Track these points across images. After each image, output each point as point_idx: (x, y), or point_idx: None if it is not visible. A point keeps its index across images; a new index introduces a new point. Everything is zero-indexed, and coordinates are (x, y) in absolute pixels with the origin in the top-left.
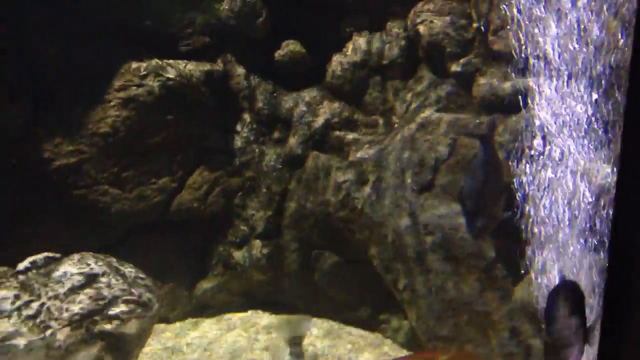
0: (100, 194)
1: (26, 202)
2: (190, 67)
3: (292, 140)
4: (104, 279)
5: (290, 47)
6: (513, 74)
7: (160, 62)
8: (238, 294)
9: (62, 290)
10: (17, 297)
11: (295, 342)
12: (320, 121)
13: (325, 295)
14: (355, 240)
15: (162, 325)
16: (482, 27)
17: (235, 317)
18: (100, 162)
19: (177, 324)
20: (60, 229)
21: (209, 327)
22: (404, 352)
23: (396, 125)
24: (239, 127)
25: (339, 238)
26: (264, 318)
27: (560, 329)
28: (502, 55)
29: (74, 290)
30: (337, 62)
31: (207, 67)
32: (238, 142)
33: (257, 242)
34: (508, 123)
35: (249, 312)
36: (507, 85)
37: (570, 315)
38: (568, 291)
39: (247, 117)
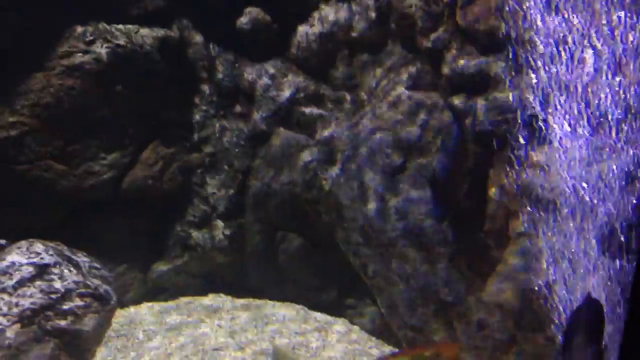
0: (44, 169)
1: None
2: (143, 33)
3: (256, 115)
4: (56, 270)
5: (252, 14)
6: (482, 52)
7: (108, 27)
8: (198, 276)
9: (10, 283)
10: None
11: None
12: (285, 95)
13: (290, 278)
14: (322, 222)
15: (116, 310)
16: (454, 3)
17: (196, 301)
18: (43, 135)
19: (132, 309)
20: (1, 210)
21: (166, 312)
22: (372, 340)
23: (365, 102)
24: (197, 100)
25: (305, 220)
26: (227, 303)
27: (577, 357)
28: (473, 32)
29: (24, 282)
30: (303, 33)
31: (161, 33)
32: (196, 116)
33: (219, 223)
34: (478, 102)
35: (210, 296)
36: (474, 63)
37: (587, 342)
38: (588, 313)
39: (206, 89)
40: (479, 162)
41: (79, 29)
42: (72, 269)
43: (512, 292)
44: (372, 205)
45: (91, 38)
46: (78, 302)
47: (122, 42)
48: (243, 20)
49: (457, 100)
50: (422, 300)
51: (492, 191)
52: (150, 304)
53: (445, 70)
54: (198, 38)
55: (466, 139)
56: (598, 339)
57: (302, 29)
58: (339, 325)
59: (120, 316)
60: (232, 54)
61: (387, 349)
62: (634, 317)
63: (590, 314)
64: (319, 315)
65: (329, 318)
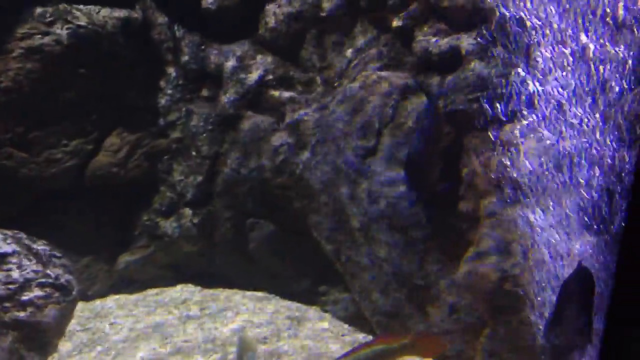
0: (3, 157)
1: None
2: (104, 14)
3: (223, 99)
4: (14, 259)
5: None
6: (454, 29)
7: (68, 7)
8: (166, 267)
9: None
10: None
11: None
12: (253, 78)
13: (261, 267)
14: (293, 208)
15: (81, 304)
16: None
17: (164, 292)
18: (2, 121)
19: (98, 302)
20: None
21: (133, 304)
22: (345, 327)
23: (336, 84)
24: (162, 84)
25: (276, 206)
26: (196, 293)
27: (566, 331)
28: (444, 9)
29: None
30: (271, 13)
31: (123, 13)
32: (162, 100)
33: (187, 210)
34: (449, 81)
35: (179, 287)
36: (445, 42)
37: (577, 314)
38: (579, 284)
39: (171, 72)
40: (452, 142)
41: (38, 10)
42: (31, 257)
43: (484, 274)
44: (344, 189)
45: (51, 19)
46: (38, 292)
47: (83, 22)
48: (208, 0)
49: (428, 80)
50: (396, 284)
51: (465, 171)
52: (116, 296)
53: (417, 49)
54: (162, 19)
55: (439, 119)
56: (589, 310)
57: (270, 8)
58: (311, 313)
59: (86, 309)
60: (198, 35)
61: (361, 335)
62: (620, 292)
63: (581, 284)
64: (291, 304)
65: (301, 306)
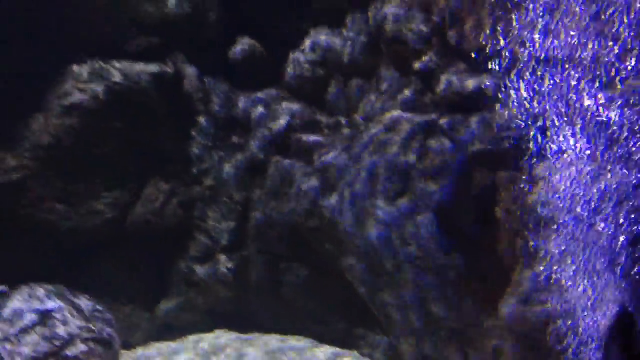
0: (46, 212)
1: None
2: (138, 69)
3: (253, 145)
4: (58, 315)
5: (245, 45)
6: (476, 71)
7: (104, 65)
8: (203, 312)
9: (13, 331)
10: None
11: None
12: (280, 124)
13: (296, 310)
14: (325, 251)
15: (123, 352)
16: (443, 22)
17: (202, 338)
18: (45, 177)
19: (140, 350)
20: (3, 254)
21: (174, 352)
22: None
23: (361, 127)
24: (194, 133)
25: (308, 249)
26: (233, 338)
27: None
28: (464, 51)
29: (27, 330)
30: (296, 61)
31: (156, 68)
32: (194, 149)
33: (222, 256)
34: (474, 121)
35: (216, 332)
36: (468, 82)
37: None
38: (624, 328)
39: (202, 121)
40: (482, 182)
41: (76, 68)
42: (75, 313)
43: (525, 317)
44: (374, 232)
45: (88, 77)
46: (82, 347)
47: (118, 79)
48: (236, 50)
49: (452, 120)
50: (434, 327)
51: (498, 212)
52: (158, 344)
53: (439, 89)
54: (192, 71)
55: (467, 160)
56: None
57: (294, 56)
58: (349, 357)
59: (128, 358)
60: (227, 85)
61: None
62: None
63: (626, 328)
64: (328, 347)
65: (338, 350)
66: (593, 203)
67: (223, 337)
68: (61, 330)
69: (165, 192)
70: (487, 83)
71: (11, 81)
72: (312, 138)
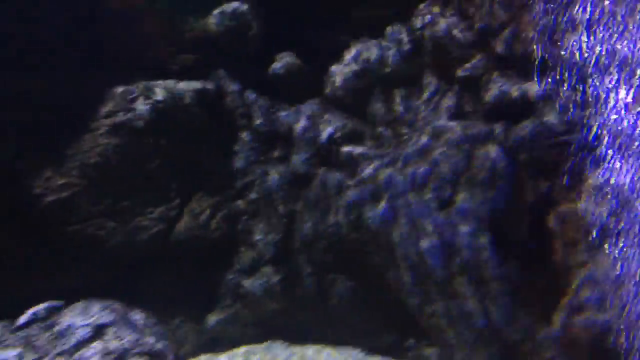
0: (96, 228)
1: (17, 244)
2: (181, 87)
3: (296, 158)
4: (112, 330)
5: (285, 59)
6: (525, 77)
7: (148, 84)
8: (251, 325)
9: (67, 346)
10: (20, 356)
11: None
12: (323, 136)
13: (345, 322)
14: (372, 262)
15: None
16: (487, 28)
17: (251, 351)
18: (93, 194)
19: None
20: (54, 270)
21: None
22: None
23: (405, 137)
24: (237, 147)
25: (354, 261)
26: (283, 349)
27: None
28: (510, 57)
29: (81, 344)
30: (336, 73)
31: (198, 85)
32: (237, 163)
33: (268, 269)
34: (523, 128)
35: (265, 344)
36: (514, 89)
37: None
38: None
39: (244, 135)
40: (536, 190)
41: (120, 88)
42: (128, 327)
43: (581, 328)
44: (423, 242)
45: (132, 96)
46: None
47: (161, 97)
48: (276, 65)
49: (501, 127)
50: (487, 339)
51: (553, 222)
52: (207, 355)
53: (486, 97)
54: (234, 87)
55: (517, 168)
56: None
57: (335, 68)
58: None
59: None
60: (268, 99)
61: None
62: None
63: None
64: (379, 358)
65: None
66: None
67: (272, 348)
68: (115, 345)
69: (210, 206)
70: (535, 89)
71: (60, 103)
72: (356, 149)
